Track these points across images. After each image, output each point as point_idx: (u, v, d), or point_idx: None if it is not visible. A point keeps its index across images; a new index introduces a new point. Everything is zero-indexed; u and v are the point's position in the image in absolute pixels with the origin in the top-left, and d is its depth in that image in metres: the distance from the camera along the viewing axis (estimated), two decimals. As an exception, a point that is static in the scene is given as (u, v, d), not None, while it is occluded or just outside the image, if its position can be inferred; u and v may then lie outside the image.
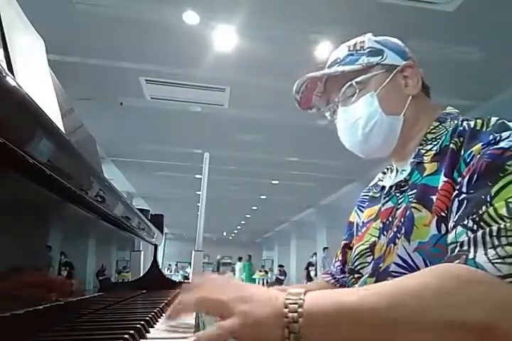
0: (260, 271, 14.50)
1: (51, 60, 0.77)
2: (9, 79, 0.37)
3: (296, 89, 0.79)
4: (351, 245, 0.83)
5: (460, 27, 3.11)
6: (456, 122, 0.66)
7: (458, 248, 0.48)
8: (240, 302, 0.43)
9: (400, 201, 0.68)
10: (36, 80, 0.65)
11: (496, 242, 0.45)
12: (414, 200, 0.62)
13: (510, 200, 0.47)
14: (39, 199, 0.54)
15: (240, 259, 15.22)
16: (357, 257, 0.74)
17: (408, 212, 0.62)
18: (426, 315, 0.40)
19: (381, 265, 0.65)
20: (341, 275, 0.84)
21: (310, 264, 10.43)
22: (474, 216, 0.49)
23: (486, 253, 0.44)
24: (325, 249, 9.04)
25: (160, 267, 1.37)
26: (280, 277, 12.61)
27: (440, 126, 0.69)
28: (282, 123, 5.05)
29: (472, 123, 0.60)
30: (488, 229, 0.47)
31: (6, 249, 0.45)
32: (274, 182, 8.49)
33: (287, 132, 5.40)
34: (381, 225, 0.70)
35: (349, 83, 0.72)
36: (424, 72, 0.75)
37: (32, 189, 0.50)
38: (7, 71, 0.38)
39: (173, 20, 3.16)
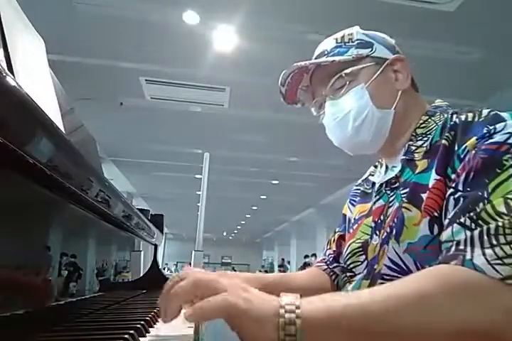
0: (260, 271, 14.50)
1: (51, 60, 0.77)
2: (9, 79, 0.37)
3: (282, 80, 0.76)
4: (346, 238, 0.81)
5: (460, 27, 3.11)
6: (445, 116, 0.64)
7: (454, 246, 0.46)
8: (242, 290, 0.40)
9: (391, 199, 0.66)
10: (36, 80, 0.65)
11: (494, 241, 0.43)
12: (405, 200, 0.60)
13: (508, 196, 0.46)
14: (39, 199, 0.54)
15: (288, 262, 15.74)
16: (349, 255, 0.73)
17: (400, 213, 0.60)
18: (429, 324, 0.40)
19: (375, 267, 0.64)
20: (334, 265, 0.82)
21: (306, 264, 10.45)
22: (471, 213, 0.47)
23: (483, 254, 0.43)
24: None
25: (160, 267, 1.37)
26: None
27: (429, 120, 0.67)
28: (282, 123, 5.05)
29: (463, 117, 0.58)
30: (485, 227, 0.45)
31: (6, 248, 0.45)
32: (274, 182, 8.49)
33: (287, 132, 5.40)
34: (373, 224, 0.69)
35: (338, 74, 0.69)
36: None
37: (32, 189, 0.50)
38: (7, 71, 0.38)
39: (173, 20, 3.16)
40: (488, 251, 0.42)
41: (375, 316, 0.39)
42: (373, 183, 0.76)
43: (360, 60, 0.70)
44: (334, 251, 0.85)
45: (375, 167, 0.82)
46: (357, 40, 0.72)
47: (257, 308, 0.38)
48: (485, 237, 0.44)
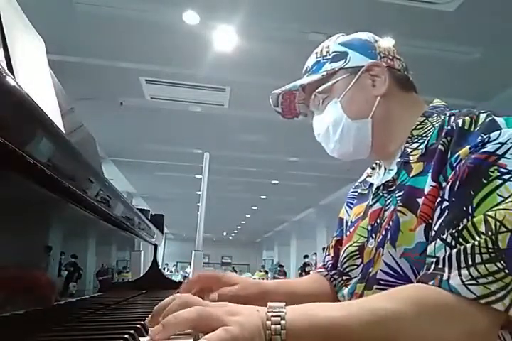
0: (260, 271, 14.50)
1: (51, 60, 0.77)
2: (9, 79, 0.37)
3: (274, 103, 0.79)
4: (343, 242, 0.81)
5: (460, 27, 3.11)
6: (442, 117, 0.63)
7: (434, 265, 0.48)
8: (231, 314, 0.41)
9: (387, 202, 0.66)
10: (36, 80, 0.65)
11: (470, 261, 0.44)
12: (400, 203, 0.60)
13: (489, 213, 0.46)
14: (39, 199, 0.54)
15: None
16: (346, 259, 0.72)
17: (395, 217, 0.60)
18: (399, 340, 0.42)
19: (370, 270, 0.64)
20: (333, 271, 0.82)
21: (306, 265, 10.45)
22: (454, 231, 0.48)
23: (459, 274, 0.44)
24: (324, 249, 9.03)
25: (160, 267, 1.37)
26: (280, 277, 12.60)
27: (426, 121, 0.66)
28: (282, 123, 5.04)
29: (460, 122, 0.56)
30: (463, 246, 0.46)
31: (5, 249, 0.45)
32: (274, 182, 8.49)
33: (287, 132, 5.40)
34: (370, 227, 0.69)
35: (313, 94, 0.73)
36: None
37: (32, 189, 0.50)
38: (7, 71, 0.38)
39: (173, 20, 3.16)
40: (464, 272, 0.44)
41: (349, 328, 0.41)
42: (370, 184, 0.76)
43: (333, 75, 0.71)
44: (332, 257, 0.84)
45: (373, 169, 0.82)
46: (333, 52, 0.73)
47: (252, 326, 0.40)
48: (462, 257, 0.45)
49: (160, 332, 0.42)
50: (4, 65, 0.50)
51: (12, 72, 0.51)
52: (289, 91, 0.76)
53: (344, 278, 0.72)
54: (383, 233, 0.63)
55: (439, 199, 0.54)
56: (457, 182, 0.51)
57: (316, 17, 3.08)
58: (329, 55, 0.73)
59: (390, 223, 0.61)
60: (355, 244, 0.72)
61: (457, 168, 0.52)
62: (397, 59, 0.73)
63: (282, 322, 0.40)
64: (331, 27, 3.24)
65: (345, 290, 0.70)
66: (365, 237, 0.70)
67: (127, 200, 0.95)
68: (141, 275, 1.32)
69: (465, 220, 0.48)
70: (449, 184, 0.52)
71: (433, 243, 0.50)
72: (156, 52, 3.66)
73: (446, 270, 0.46)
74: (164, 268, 15.70)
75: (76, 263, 0.70)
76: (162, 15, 3.09)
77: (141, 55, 3.71)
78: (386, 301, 0.44)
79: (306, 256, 10.90)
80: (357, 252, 0.70)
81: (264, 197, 10.16)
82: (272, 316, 0.41)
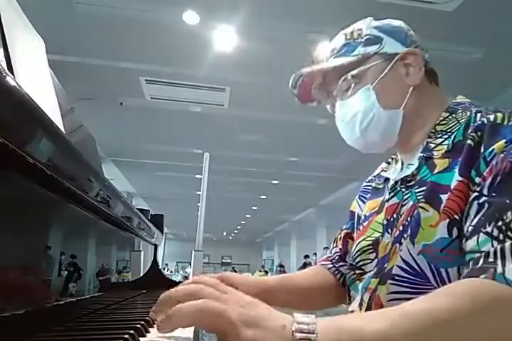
0: (260, 271, 14.49)
1: (51, 60, 0.77)
2: (9, 79, 0.37)
3: (293, 84, 0.75)
4: (353, 235, 0.80)
5: (460, 27, 3.11)
6: (468, 114, 0.62)
7: (482, 259, 0.44)
8: (247, 325, 0.36)
9: (405, 197, 0.65)
10: (36, 80, 0.65)
11: None
12: (422, 200, 0.58)
13: None
14: (39, 199, 0.54)
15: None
16: (358, 253, 0.71)
17: (415, 212, 0.59)
18: None
19: (386, 265, 0.62)
20: (340, 264, 0.81)
21: (306, 265, 10.45)
22: (499, 223, 0.45)
23: None
24: (325, 248, 9.05)
25: (160, 267, 1.37)
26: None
27: (450, 117, 0.64)
28: (282, 123, 5.05)
29: (492, 117, 0.55)
30: None
31: (6, 248, 0.45)
32: (274, 182, 8.49)
33: (287, 132, 5.40)
34: (385, 222, 0.67)
35: (344, 77, 0.68)
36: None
37: (32, 189, 0.50)
38: (7, 71, 0.38)
39: (173, 20, 3.16)
40: None
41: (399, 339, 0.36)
42: (386, 179, 0.75)
43: (367, 59, 0.68)
44: (340, 249, 0.83)
45: (388, 163, 0.80)
46: (366, 35, 0.69)
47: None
48: None
49: (163, 325, 0.37)
50: (4, 65, 0.50)
51: (12, 72, 0.51)
52: (309, 74, 0.73)
53: (357, 272, 0.71)
54: (400, 228, 0.61)
55: (475, 194, 0.51)
56: (498, 177, 0.49)
57: (316, 17, 3.07)
58: (361, 37, 0.69)
59: (409, 219, 0.60)
60: (368, 239, 0.70)
61: (494, 163, 0.51)
62: (425, 50, 0.71)
63: None
64: (331, 27, 3.24)
65: (360, 285, 0.69)
66: (379, 232, 0.68)
67: (127, 200, 0.96)
68: (141, 275, 1.32)
69: (509, 213, 0.45)
70: (489, 179, 0.50)
71: (474, 237, 0.47)
72: (156, 52, 3.66)
73: (499, 263, 0.41)
74: (164, 269, 15.68)
75: (76, 263, 0.70)
76: (162, 15, 3.09)
77: (141, 55, 3.71)
78: (439, 300, 0.40)
79: (306, 256, 10.90)
80: (371, 247, 0.69)
81: (264, 197, 10.15)
82: (300, 339, 0.35)
